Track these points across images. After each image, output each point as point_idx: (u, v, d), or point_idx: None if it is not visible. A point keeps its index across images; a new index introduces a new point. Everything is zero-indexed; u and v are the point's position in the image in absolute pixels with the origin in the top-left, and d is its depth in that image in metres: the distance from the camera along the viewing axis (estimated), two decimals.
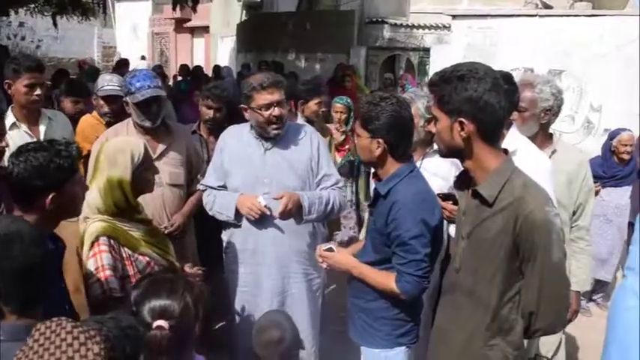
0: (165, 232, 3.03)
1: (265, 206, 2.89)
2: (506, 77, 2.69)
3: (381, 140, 2.32)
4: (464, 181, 2.06)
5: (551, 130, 3.15)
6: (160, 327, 1.71)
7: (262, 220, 2.94)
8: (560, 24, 8.41)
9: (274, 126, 2.93)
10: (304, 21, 13.96)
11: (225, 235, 3.17)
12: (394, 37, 12.98)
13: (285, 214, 2.85)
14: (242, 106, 3.01)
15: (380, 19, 13.26)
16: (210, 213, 3.11)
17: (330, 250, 2.60)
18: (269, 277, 3.02)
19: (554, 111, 2.98)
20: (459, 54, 8.85)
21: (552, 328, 1.97)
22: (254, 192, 2.96)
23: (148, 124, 3.15)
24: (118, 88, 3.65)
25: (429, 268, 2.30)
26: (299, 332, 2.56)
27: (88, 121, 4.00)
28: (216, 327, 3.86)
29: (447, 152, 2.00)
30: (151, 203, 2.99)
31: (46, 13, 14.02)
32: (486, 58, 8.59)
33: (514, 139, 2.71)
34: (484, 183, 1.91)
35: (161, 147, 3.21)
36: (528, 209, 1.81)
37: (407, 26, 13.01)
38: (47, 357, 1.09)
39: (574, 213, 3.07)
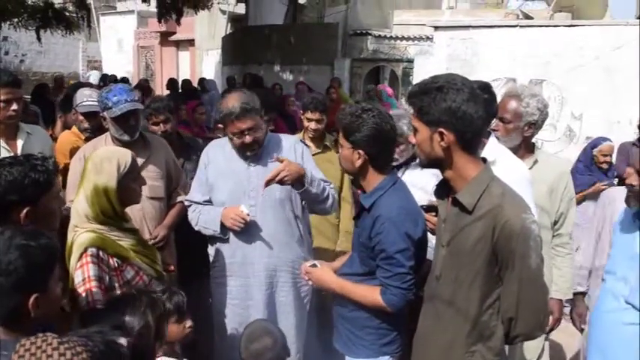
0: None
1: (248, 214, 2.88)
2: (485, 87, 2.72)
3: (361, 152, 2.33)
4: (444, 190, 2.08)
5: (533, 140, 3.18)
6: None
7: (249, 232, 2.94)
8: (540, 34, 8.53)
9: (249, 150, 2.97)
10: (288, 34, 14.04)
11: (212, 249, 3.16)
12: (378, 48, 13.08)
13: (273, 180, 2.79)
14: (220, 125, 3.03)
15: (364, 31, 13.36)
16: (196, 228, 3.11)
17: (314, 266, 2.60)
18: (259, 288, 3.02)
19: (538, 125, 3.00)
20: (441, 65, 8.94)
21: (532, 334, 1.98)
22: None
23: (126, 137, 3.15)
24: (97, 104, 3.64)
25: (413, 280, 2.30)
26: (286, 339, 2.56)
27: (66, 136, 3.97)
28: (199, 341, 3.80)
29: (428, 162, 2.02)
30: (131, 217, 2.98)
31: (30, 28, 13.95)
32: (468, 69, 8.68)
33: (493, 148, 2.73)
34: (463, 191, 1.93)
35: (140, 160, 3.19)
36: (506, 217, 1.84)
37: (391, 38, 13.11)
38: None
39: (555, 222, 3.09)
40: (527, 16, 11.86)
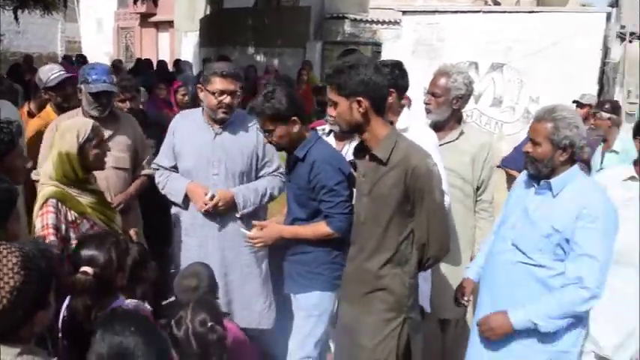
0: None
1: (211, 198, 3.17)
2: (397, 64, 3.16)
3: (295, 118, 2.76)
4: (360, 150, 2.53)
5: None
6: (84, 272, 2.05)
7: (212, 198, 3.19)
8: (502, 20, 8.91)
9: (222, 110, 3.22)
10: (262, 16, 14.25)
11: (175, 209, 3.43)
12: (353, 32, 13.35)
13: (213, 209, 3.17)
14: (199, 85, 3.31)
15: (340, 15, 13.61)
16: (162, 192, 3.39)
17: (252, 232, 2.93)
18: (217, 249, 3.27)
19: (465, 98, 3.37)
20: (408, 48, 9.28)
21: (439, 256, 2.51)
22: (205, 174, 3.25)
23: (95, 113, 3.42)
24: (64, 72, 3.87)
25: (351, 206, 2.71)
26: (217, 283, 2.87)
27: (32, 125, 4.05)
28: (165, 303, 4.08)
29: (349, 128, 2.45)
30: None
31: (7, 8, 13.94)
32: (433, 53, 9.03)
33: (405, 118, 3.15)
34: (378, 147, 2.38)
35: (108, 132, 3.45)
36: (414, 163, 2.33)
37: (366, 21, 13.39)
38: None
39: (478, 188, 3.44)
40: (496, 2, 12.20)
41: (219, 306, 2.65)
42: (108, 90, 3.40)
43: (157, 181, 3.42)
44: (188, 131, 3.34)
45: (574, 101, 6.02)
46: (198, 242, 3.31)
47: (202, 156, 3.27)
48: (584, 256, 2.31)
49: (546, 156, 2.40)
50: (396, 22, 12.57)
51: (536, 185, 2.52)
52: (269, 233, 2.90)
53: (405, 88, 3.18)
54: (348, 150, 3.49)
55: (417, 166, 2.32)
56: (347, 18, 13.51)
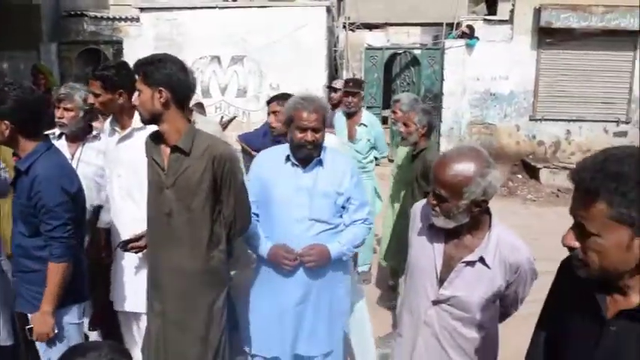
0: None
1: None
2: (124, 64, 3.26)
3: (7, 122, 2.62)
4: (157, 143, 2.61)
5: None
6: None
7: None
8: (237, 15, 9.42)
9: None
10: None
11: None
12: (94, 30, 12.76)
13: None
14: None
15: (79, 12, 12.88)
16: None
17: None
18: None
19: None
20: (149, 45, 9.28)
21: (244, 228, 2.73)
22: None
23: None
24: None
25: (73, 230, 2.68)
26: None
27: None
28: None
29: (149, 117, 2.54)
30: None
31: None
32: (176, 48, 9.17)
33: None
34: (182, 140, 2.52)
35: None
36: (219, 150, 2.53)
37: (107, 19, 12.90)
38: None
39: None
40: None
41: None
42: None
43: None
44: None
45: (328, 86, 6.68)
46: None
47: None
48: (362, 205, 2.98)
49: (322, 137, 2.88)
50: (138, 19, 12.36)
51: (303, 166, 2.87)
52: (41, 323, 2.71)
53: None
54: (81, 152, 3.52)
55: (222, 152, 2.53)
56: (86, 16, 12.84)
